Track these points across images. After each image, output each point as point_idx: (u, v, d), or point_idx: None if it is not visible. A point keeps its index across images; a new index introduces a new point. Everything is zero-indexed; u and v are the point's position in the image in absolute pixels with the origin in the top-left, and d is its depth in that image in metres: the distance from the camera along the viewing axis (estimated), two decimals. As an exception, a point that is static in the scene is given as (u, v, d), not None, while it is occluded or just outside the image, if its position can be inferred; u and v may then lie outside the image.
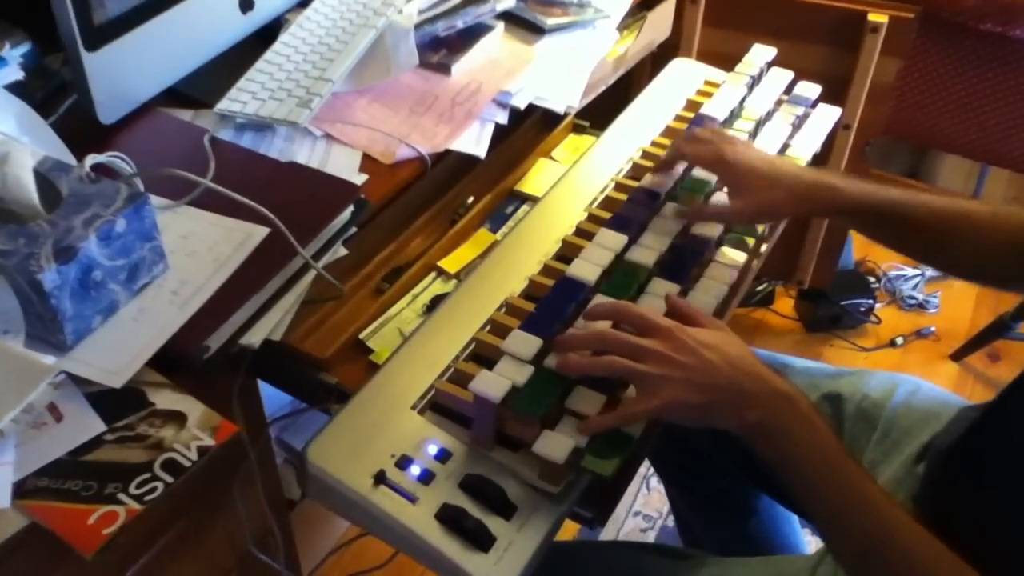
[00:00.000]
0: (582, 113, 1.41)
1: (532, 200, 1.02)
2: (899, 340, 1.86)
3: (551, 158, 1.10)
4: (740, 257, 0.85)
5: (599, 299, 0.75)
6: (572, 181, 0.97)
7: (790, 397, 0.67)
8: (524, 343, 0.70)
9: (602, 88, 1.29)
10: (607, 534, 1.49)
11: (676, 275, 0.80)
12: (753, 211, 0.82)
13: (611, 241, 0.80)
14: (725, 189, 0.86)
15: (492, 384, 0.67)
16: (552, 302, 0.75)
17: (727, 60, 1.09)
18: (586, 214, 0.89)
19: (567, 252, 0.85)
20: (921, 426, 0.88)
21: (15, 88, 0.76)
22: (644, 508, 1.53)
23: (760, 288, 1.88)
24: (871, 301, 1.84)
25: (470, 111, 0.99)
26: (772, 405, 0.67)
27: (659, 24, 1.39)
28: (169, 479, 0.62)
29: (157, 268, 0.73)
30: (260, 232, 0.77)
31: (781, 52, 1.42)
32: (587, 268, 0.77)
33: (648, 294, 0.78)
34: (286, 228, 0.77)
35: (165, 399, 0.67)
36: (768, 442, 0.68)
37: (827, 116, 1.03)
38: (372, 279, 0.91)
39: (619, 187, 0.92)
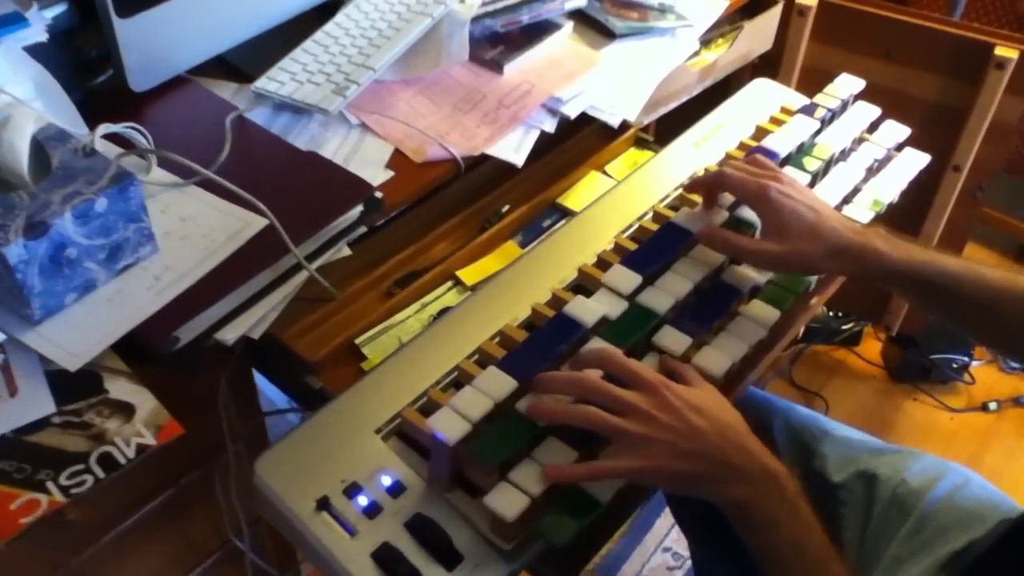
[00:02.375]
0: (662, 123, 1.33)
1: (573, 215, 0.96)
2: (992, 405, 1.70)
3: (604, 172, 1.02)
4: (772, 315, 0.76)
5: (592, 344, 0.69)
6: (613, 201, 0.89)
7: (778, 478, 0.61)
8: (496, 383, 0.65)
9: (684, 98, 1.21)
10: (633, 565, 1.43)
11: (693, 326, 0.72)
12: (785, 257, 0.73)
13: (622, 281, 0.73)
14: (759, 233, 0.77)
15: (450, 424, 0.62)
16: (540, 341, 0.69)
17: (833, 78, 0.99)
18: (612, 243, 0.82)
19: (582, 282, 0.78)
20: (960, 527, 0.78)
21: (41, 50, 0.75)
22: (676, 545, 1.45)
23: (846, 327, 1.75)
24: (967, 358, 1.68)
25: (516, 114, 0.93)
26: (758, 484, 0.61)
27: (759, 35, 1.29)
28: (101, 474, 0.60)
29: (144, 250, 0.71)
30: (258, 223, 0.74)
31: (891, 77, 1.30)
32: (588, 308, 0.71)
33: (654, 344, 0.71)
34: (286, 222, 0.74)
35: (120, 388, 0.65)
36: (748, 523, 0.62)
37: (912, 162, 0.92)
38: (384, 281, 0.87)
39: (656, 217, 0.84)
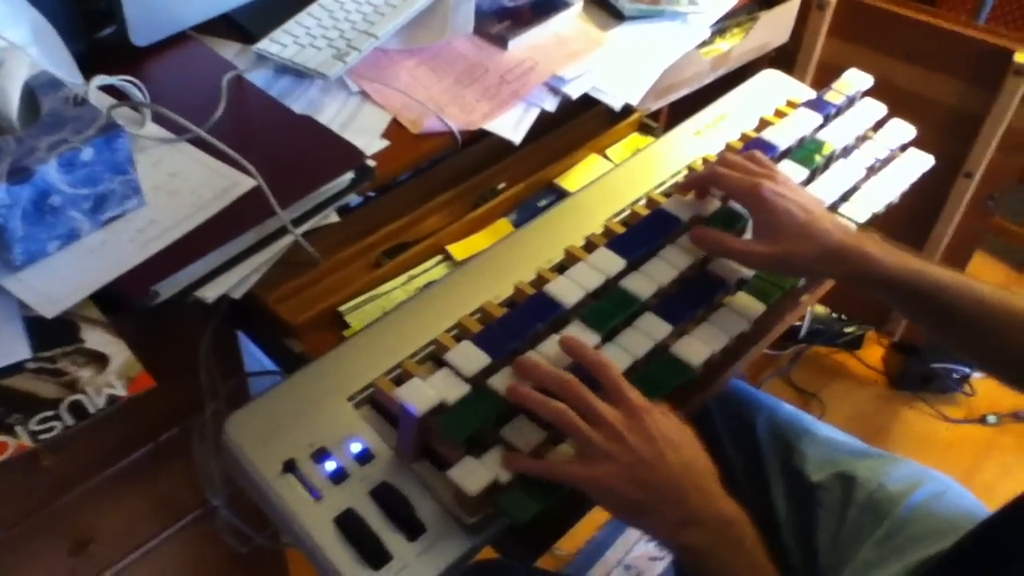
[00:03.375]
0: (675, 110, 1.32)
1: (572, 194, 0.95)
2: (991, 418, 1.68)
3: (604, 155, 1.02)
4: (757, 308, 0.75)
5: (576, 328, 0.68)
6: (609, 184, 0.88)
7: (734, 525, 0.59)
8: (469, 357, 0.64)
9: (695, 86, 1.19)
10: (616, 553, 1.43)
11: (674, 314, 0.72)
12: (776, 258, 0.72)
13: (606, 263, 0.72)
14: (751, 226, 0.76)
15: (419, 395, 0.62)
16: (517, 319, 0.68)
17: None
18: (602, 227, 0.81)
19: (568, 263, 0.78)
20: (933, 536, 0.77)
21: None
22: (660, 534, 1.45)
23: (849, 330, 1.73)
24: (968, 369, 1.67)
25: (517, 91, 0.92)
26: (712, 530, 0.59)
27: (776, 26, 1.27)
28: (71, 422, 0.60)
29: (130, 202, 0.71)
30: (246, 183, 0.74)
31: (909, 78, 1.28)
32: (569, 288, 0.70)
33: (634, 329, 0.70)
34: (274, 185, 0.74)
35: (96, 338, 0.65)
36: (700, 571, 0.60)
37: (915, 163, 0.90)
38: (373, 251, 0.87)
39: (649, 203, 0.84)
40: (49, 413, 0.60)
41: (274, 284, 0.80)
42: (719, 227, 0.77)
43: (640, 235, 0.76)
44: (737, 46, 1.19)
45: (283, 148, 0.78)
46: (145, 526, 0.90)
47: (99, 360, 0.64)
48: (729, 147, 0.90)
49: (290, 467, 0.63)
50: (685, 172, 0.88)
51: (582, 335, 0.68)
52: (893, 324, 1.64)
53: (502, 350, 0.65)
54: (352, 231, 0.86)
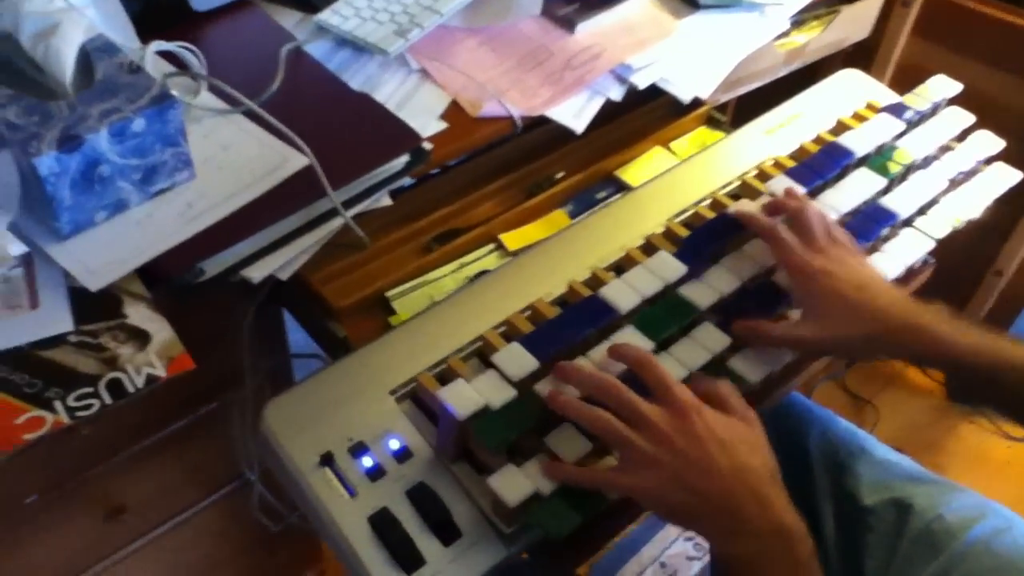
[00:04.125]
0: (743, 103, 1.27)
1: (628, 190, 0.92)
2: (1054, 440, 1.61)
3: (668, 148, 0.98)
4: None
5: (629, 334, 0.65)
6: (672, 181, 0.85)
7: (791, 538, 0.55)
8: (516, 360, 0.62)
9: (767, 80, 1.14)
10: (652, 549, 1.40)
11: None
12: (823, 344, 0.67)
13: (665, 268, 0.69)
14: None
15: (462, 397, 0.59)
16: (569, 321, 0.65)
17: (930, 78, 0.91)
18: (663, 227, 0.77)
19: (625, 264, 0.74)
20: (994, 576, 0.73)
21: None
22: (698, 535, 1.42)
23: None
24: (1032, 388, 1.59)
25: (582, 78, 0.88)
26: (766, 542, 0.55)
27: (857, 22, 1.21)
28: (108, 400, 0.59)
29: (180, 175, 0.70)
30: (298, 161, 0.72)
31: (994, 84, 1.21)
32: (624, 293, 0.67)
33: (690, 339, 0.67)
34: (327, 164, 0.71)
35: (138, 314, 0.63)
36: None
37: (1000, 178, 0.85)
38: (423, 236, 0.85)
39: (714, 204, 0.80)
40: (88, 390, 0.59)
41: (320, 265, 0.78)
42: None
43: (702, 240, 0.72)
44: (814, 40, 1.13)
45: (338, 126, 0.76)
46: (178, 497, 0.90)
47: (140, 337, 0.62)
48: (803, 149, 0.86)
49: (327, 460, 0.62)
50: (754, 173, 0.84)
51: (635, 342, 0.65)
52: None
53: (551, 354, 0.62)
54: (402, 213, 0.84)
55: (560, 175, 0.92)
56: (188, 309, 0.67)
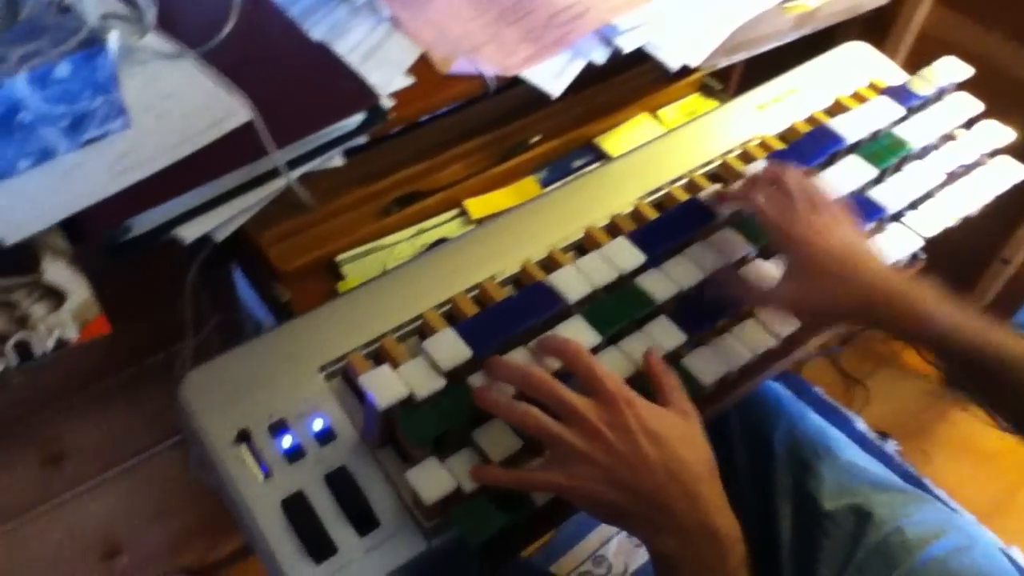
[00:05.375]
0: (751, 67, 1.20)
1: (608, 160, 0.87)
2: (1048, 434, 1.56)
3: (654, 116, 0.92)
4: (790, 324, 0.67)
5: (575, 326, 0.61)
6: (652, 154, 0.80)
7: (720, 540, 0.52)
8: (449, 349, 0.58)
9: (772, 45, 1.07)
10: (599, 534, 1.35)
11: (693, 322, 0.64)
12: (808, 304, 0.63)
13: (623, 256, 0.65)
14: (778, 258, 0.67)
15: (385, 385, 0.56)
16: (512, 309, 0.61)
17: (951, 52, 0.84)
18: (632, 206, 0.73)
19: (587, 244, 0.70)
20: (946, 597, 0.70)
21: None
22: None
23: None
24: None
25: (563, 37, 0.83)
26: (693, 542, 0.52)
27: (876, -13, 1.13)
28: (15, 362, 0.56)
29: (113, 123, 0.65)
30: (241, 116, 0.67)
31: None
32: (575, 281, 0.63)
33: (643, 334, 0.63)
34: (273, 120, 0.67)
35: (56, 272, 0.60)
36: None
37: (1004, 174, 0.79)
38: (383, 198, 0.81)
39: (690, 185, 0.75)
40: (-7, 350, 0.56)
41: (270, 224, 0.74)
42: (750, 234, 0.68)
43: (667, 227, 0.67)
44: (827, 4, 1.06)
45: (289, 80, 0.71)
46: (124, 445, 0.88)
47: (55, 297, 0.59)
48: (794, 129, 0.80)
49: (244, 437, 0.59)
50: (737, 152, 0.78)
51: (580, 335, 0.61)
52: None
53: (488, 345, 0.59)
54: (362, 173, 0.79)
55: (535, 140, 0.87)
56: (131, 262, 0.63)
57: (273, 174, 0.68)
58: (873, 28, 1.20)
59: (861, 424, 1.50)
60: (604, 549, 1.26)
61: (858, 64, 0.88)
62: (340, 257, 0.76)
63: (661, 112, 0.92)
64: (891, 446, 1.43)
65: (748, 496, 0.83)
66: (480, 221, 0.80)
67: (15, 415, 0.75)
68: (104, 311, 0.60)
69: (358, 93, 0.72)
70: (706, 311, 0.65)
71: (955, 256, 0.97)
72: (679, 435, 0.54)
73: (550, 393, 0.54)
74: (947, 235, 0.77)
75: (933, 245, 0.77)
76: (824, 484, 0.80)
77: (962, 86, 0.83)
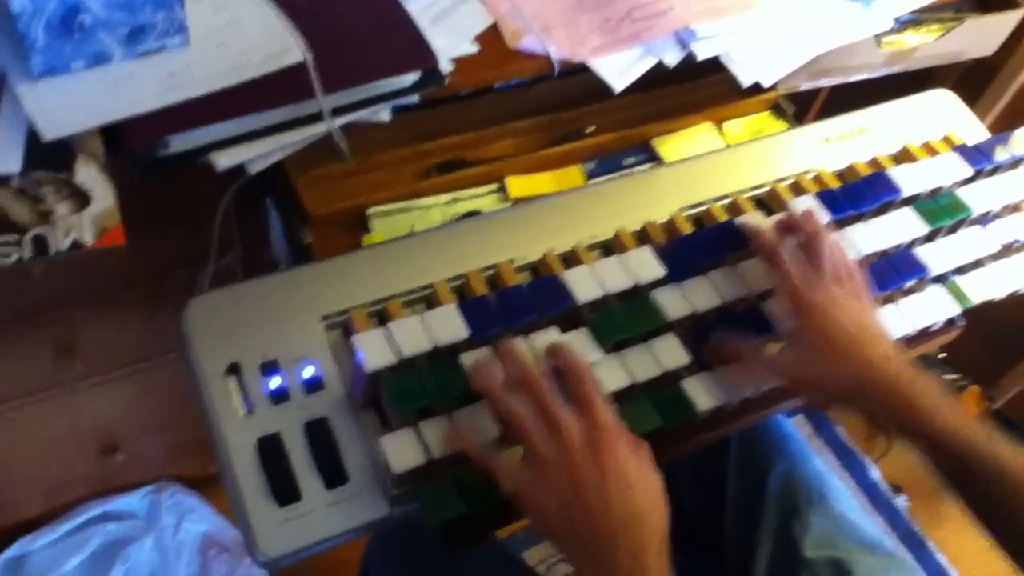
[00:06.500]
0: (837, 95, 1.17)
1: (659, 164, 0.85)
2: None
3: (718, 128, 0.90)
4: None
5: (578, 338, 0.60)
6: (704, 167, 0.77)
7: None
8: (447, 325, 0.58)
9: (859, 77, 1.04)
10: None
11: (699, 347, 0.63)
12: (799, 382, 0.61)
13: (643, 266, 0.63)
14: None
15: (376, 348, 0.56)
16: (518, 298, 0.61)
17: None
18: (668, 216, 0.71)
19: (614, 246, 0.69)
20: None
21: None
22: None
23: (950, 377, 1.56)
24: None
25: (639, 33, 0.81)
26: None
27: (981, 36, 1.08)
28: (29, 254, 0.58)
29: (172, 40, 0.66)
30: (295, 54, 0.67)
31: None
32: (587, 283, 0.62)
33: (646, 348, 0.62)
34: (325, 65, 0.67)
35: (87, 175, 0.61)
36: None
37: (1064, 257, 0.75)
38: (425, 160, 0.80)
39: (732, 206, 0.73)
40: (11, 238, 0.58)
41: (310, 166, 0.75)
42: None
43: (696, 245, 0.66)
44: (926, 45, 1.02)
45: (353, 27, 0.71)
46: (134, 352, 0.90)
47: (80, 198, 0.60)
48: (853, 169, 0.77)
49: (234, 370, 0.60)
50: (789, 182, 0.76)
51: (584, 347, 0.60)
52: (999, 391, 1.47)
53: (487, 329, 0.58)
54: (410, 132, 0.79)
55: (591, 130, 0.85)
56: (172, 178, 0.64)
57: (317, 117, 0.68)
58: (974, 77, 1.15)
59: (875, 473, 1.47)
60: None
61: (939, 114, 0.85)
62: (371, 211, 0.76)
63: (726, 125, 0.90)
64: (901, 501, 1.40)
65: (731, 527, 0.82)
66: (517, 201, 0.80)
67: (34, 307, 0.78)
68: (129, 222, 0.61)
69: (418, 53, 0.71)
70: (718, 337, 0.63)
71: (1004, 330, 0.93)
72: (646, 487, 0.53)
73: (544, 402, 0.54)
74: (998, 305, 0.74)
75: (978, 312, 0.74)
76: (810, 531, 0.78)
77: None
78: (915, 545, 1.32)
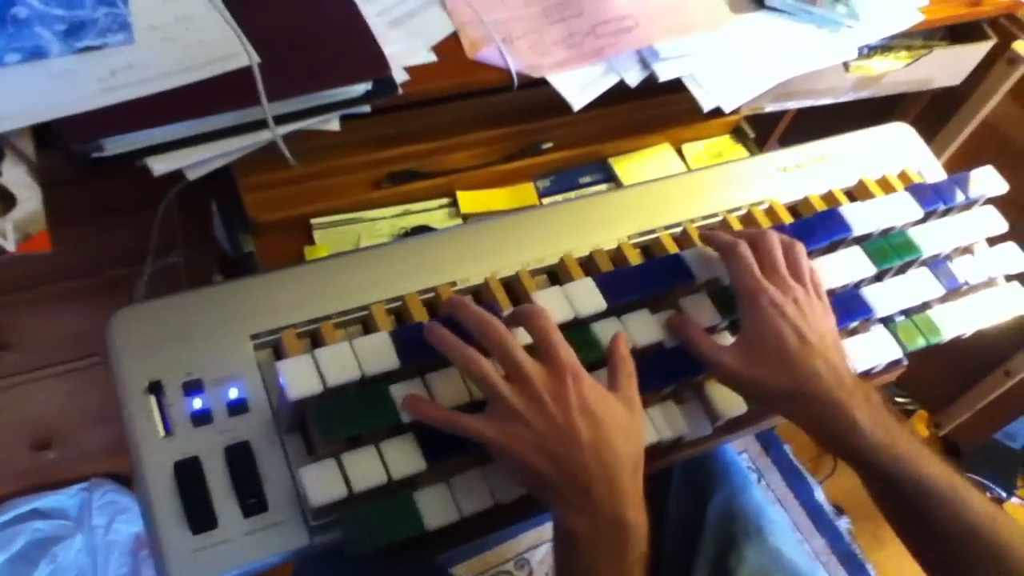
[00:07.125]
0: (800, 118, 1.17)
1: (614, 187, 0.84)
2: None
3: (678, 150, 0.89)
4: (737, 407, 0.65)
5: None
6: (659, 191, 0.76)
7: (625, 532, 0.53)
8: (378, 353, 0.56)
9: (825, 101, 1.03)
10: (529, 538, 1.33)
11: (641, 382, 0.62)
12: (739, 381, 0.60)
13: (584, 299, 0.62)
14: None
15: (302, 376, 0.54)
16: (457, 327, 0.59)
17: (1011, 150, 0.79)
18: (616, 242, 0.70)
19: (559, 272, 0.68)
20: None
21: None
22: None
23: (900, 400, 1.58)
24: (1006, 495, 1.50)
25: (602, 49, 0.79)
26: (601, 529, 0.52)
27: (949, 66, 1.08)
28: (-52, 259, 0.56)
29: (114, 37, 0.63)
30: (241, 59, 0.65)
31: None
32: (526, 311, 0.61)
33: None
34: (272, 71, 0.65)
35: (14, 176, 0.59)
36: (568, 559, 0.54)
37: (1012, 301, 0.75)
38: (377, 170, 0.78)
39: (682, 237, 0.72)
40: (-70, 242, 0.55)
41: (257, 170, 0.73)
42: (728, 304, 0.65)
43: (640, 278, 0.64)
44: (894, 72, 1.01)
45: (304, 33, 0.68)
46: (72, 348, 0.88)
47: (5, 201, 0.58)
48: (808, 201, 0.76)
49: (155, 388, 0.58)
50: (741, 213, 0.75)
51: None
52: (948, 417, 1.49)
53: (416, 358, 0.57)
54: (363, 138, 0.77)
55: (548, 145, 0.84)
56: (112, 175, 0.62)
57: (262, 124, 0.66)
58: (940, 107, 1.15)
59: (820, 494, 1.48)
60: (530, 554, 1.26)
61: (897, 148, 0.84)
62: (316, 221, 0.74)
63: (687, 147, 0.89)
64: (844, 523, 1.41)
65: (669, 552, 0.81)
66: (468, 216, 0.78)
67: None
68: (68, 212, 0.58)
69: (371, 61, 0.69)
70: (655, 373, 0.62)
71: (956, 357, 0.93)
72: (617, 423, 0.54)
73: (502, 346, 0.54)
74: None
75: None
76: (744, 565, 0.78)
77: (992, 201, 0.78)
78: (855, 567, 1.33)
